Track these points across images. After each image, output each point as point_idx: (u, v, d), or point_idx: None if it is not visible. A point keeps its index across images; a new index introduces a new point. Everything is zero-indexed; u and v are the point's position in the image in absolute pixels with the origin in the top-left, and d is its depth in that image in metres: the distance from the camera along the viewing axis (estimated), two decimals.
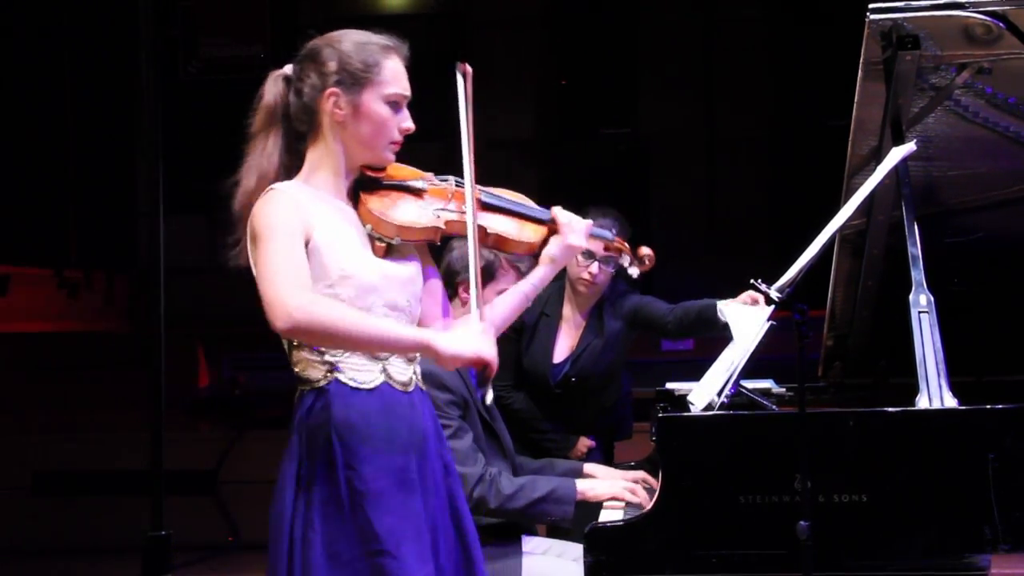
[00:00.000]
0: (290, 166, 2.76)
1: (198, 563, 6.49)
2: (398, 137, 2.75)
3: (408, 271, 2.76)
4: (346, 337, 2.57)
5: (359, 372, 2.67)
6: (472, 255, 2.72)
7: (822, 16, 9.39)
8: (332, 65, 2.71)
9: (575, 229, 2.89)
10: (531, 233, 2.87)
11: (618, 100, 10.05)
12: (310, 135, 2.75)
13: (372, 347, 2.63)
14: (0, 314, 8.72)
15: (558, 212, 2.91)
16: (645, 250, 3.11)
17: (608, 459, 4.60)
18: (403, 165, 2.84)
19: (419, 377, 2.79)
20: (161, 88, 5.56)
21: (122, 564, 6.00)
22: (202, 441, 7.34)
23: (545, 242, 2.90)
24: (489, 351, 2.62)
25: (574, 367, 4.43)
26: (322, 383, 2.67)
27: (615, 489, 3.68)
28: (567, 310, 4.47)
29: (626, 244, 3.03)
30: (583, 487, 3.68)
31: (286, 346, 2.73)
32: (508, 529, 3.77)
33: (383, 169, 2.78)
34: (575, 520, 3.64)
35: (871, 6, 3.33)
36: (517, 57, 9.91)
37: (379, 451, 2.65)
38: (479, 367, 2.63)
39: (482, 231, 2.79)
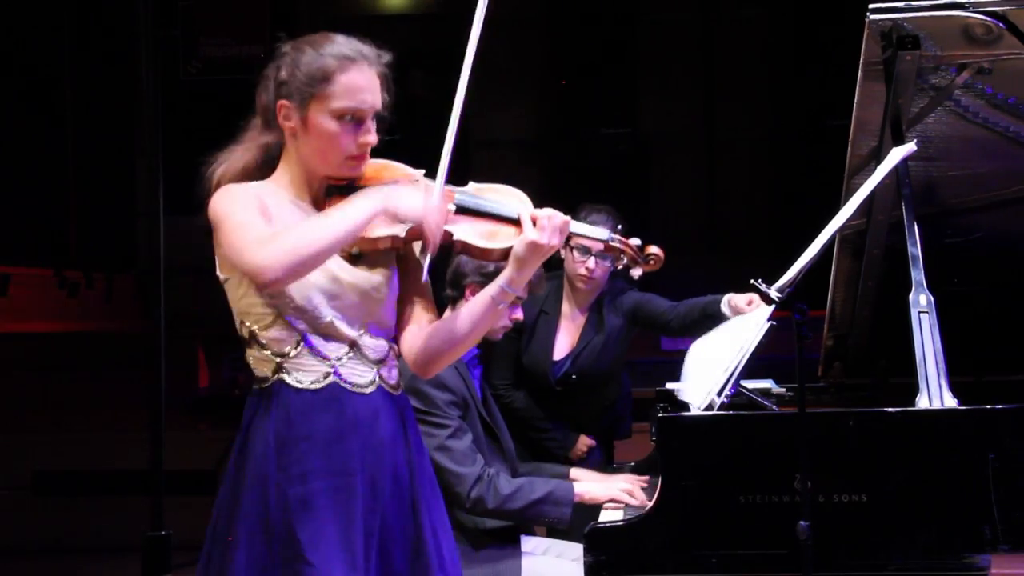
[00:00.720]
0: (268, 166, 2.72)
1: (198, 563, 6.48)
2: (355, 151, 2.63)
3: (369, 280, 2.66)
4: (319, 251, 2.47)
5: (305, 372, 2.62)
6: (446, 152, 2.62)
7: (822, 16, 9.39)
8: (283, 75, 2.64)
9: (548, 226, 2.63)
10: (505, 236, 2.68)
11: (618, 100, 10.05)
12: (283, 139, 2.71)
13: (345, 236, 2.51)
14: (0, 314, 8.72)
15: (537, 212, 2.68)
16: (653, 249, 2.87)
17: (608, 459, 4.60)
18: (388, 163, 2.75)
19: (388, 382, 2.70)
20: (161, 88, 5.56)
21: (122, 564, 6.00)
22: (202, 441, 7.34)
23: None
24: (434, 218, 2.55)
25: (575, 364, 4.43)
26: (268, 383, 2.64)
27: (613, 491, 3.68)
28: (566, 307, 4.47)
29: (629, 243, 2.85)
30: (581, 489, 3.68)
31: (243, 345, 2.69)
32: (508, 530, 3.77)
33: (347, 179, 2.69)
34: (572, 522, 3.65)
35: (871, 6, 3.33)
36: (517, 57, 9.91)
37: (314, 453, 2.59)
38: (420, 231, 2.56)
39: (447, 236, 2.65)
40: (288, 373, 2.63)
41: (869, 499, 2.99)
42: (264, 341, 2.64)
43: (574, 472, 4.02)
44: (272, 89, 2.67)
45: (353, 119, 2.61)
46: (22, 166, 9.18)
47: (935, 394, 3.06)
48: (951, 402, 3.05)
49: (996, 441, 2.99)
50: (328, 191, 2.70)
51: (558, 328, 4.48)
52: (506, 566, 3.70)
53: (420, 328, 2.75)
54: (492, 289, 2.67)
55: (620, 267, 2.86)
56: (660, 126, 10.06)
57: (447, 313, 3.70)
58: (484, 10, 2.68)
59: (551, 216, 2.65)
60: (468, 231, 2.67)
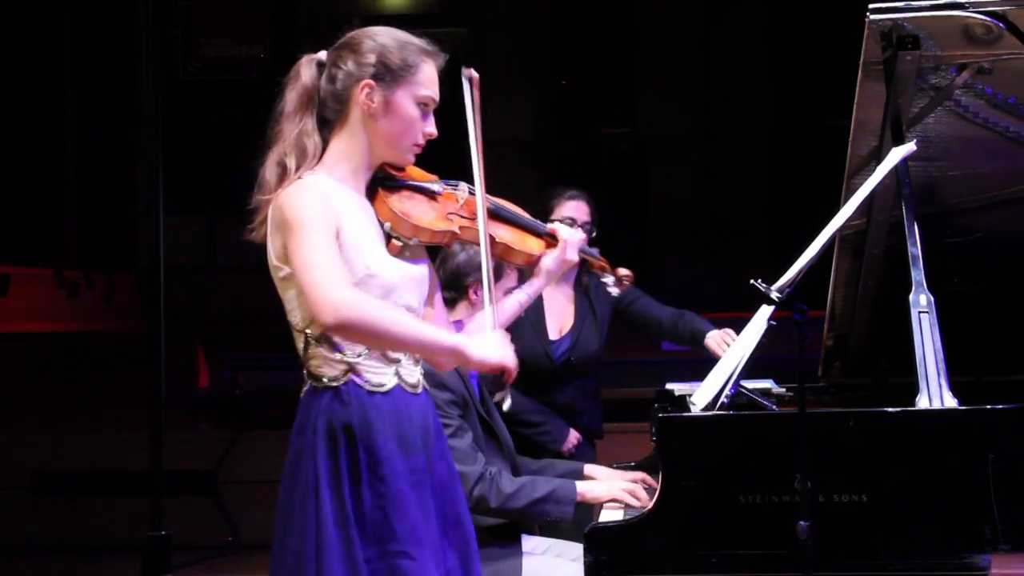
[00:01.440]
0: (316, 152, 2.75)
1: (198, 563, 6.49)
2: (421, 140, 2.77)
3: (421, 272, 2.78)
4: (388, 337, 2.59)
5: (375, 374, 2.68)
6: (485, 262, 2.75)
7: (822, 16, 9.39)
8: (371, 57, 2.71)
9: (572, 244, 2.98)
10: (532, 245, 2.96)
11: (618, 100, 10.04)
12: (336, 124, 2.74)
13: (409, 348, 2.68)
14: (0, 314, 8.71)
15: (558, 227, 3.01)
16: (623, 271, 3.22)
17: (593, 457, 4.59)
18: (416, 168, 2.86)
19: (424, 381, 2.81)
20: (161, 88, 5.56)
21: (122, 564, 6.01)
22: (202, 441, 7.34)
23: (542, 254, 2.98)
24: (511, 357, 2.70)
25: (575, 344, 4.45)
26: (337, 383, 2.67)
27: (614, 491, 3.68)
28: (546, 289, 4.46)
29: (607, 263, 3.19)
30: (583, 488, 3.68)
31: (302, 342, 2.71)
32: (508, 529, 3.77)
33: (402, 169, 2.81)
34: (574, 520, 3.65)
35: (871, 6, 3.33)
36: (517, 57, 9.91)
37: (396, 453, 2.66)
38: (500, 373, 2.71)
39: (491, 239, 2.83)
40: (359, 375, 2.68)
41: (869, 499, 2.99)
42: (337, 341, 2.66)
43: (588, 469, 4.01)
44: (351, 67, 2.71)
45: (425, 109, 2.76)
46: (22, 166, 9.17)
47: (935, 394, 3.07)
48: (951, 402, 3.05)
49: (996, 441, 2.99)
50: (379, 181, 2.77)
51: (544, 310, 4.48)
52: (506, 565, 3.70)
53: (444, 326, 2.91)
54: (521, 296, 3.01)
55: (608, 283, 3.25)
56: (660, 126, 10.06)
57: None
58: (472, 97, 2.84)
59: (573, 234, 3.01)
60: (507, 236, 2.92)
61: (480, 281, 3.76)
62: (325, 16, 9.78)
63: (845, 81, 3.62)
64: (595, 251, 3.23)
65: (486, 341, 2.70)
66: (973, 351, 3.62)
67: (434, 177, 2.87)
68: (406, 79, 2.71)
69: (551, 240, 2.98)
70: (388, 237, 2.75)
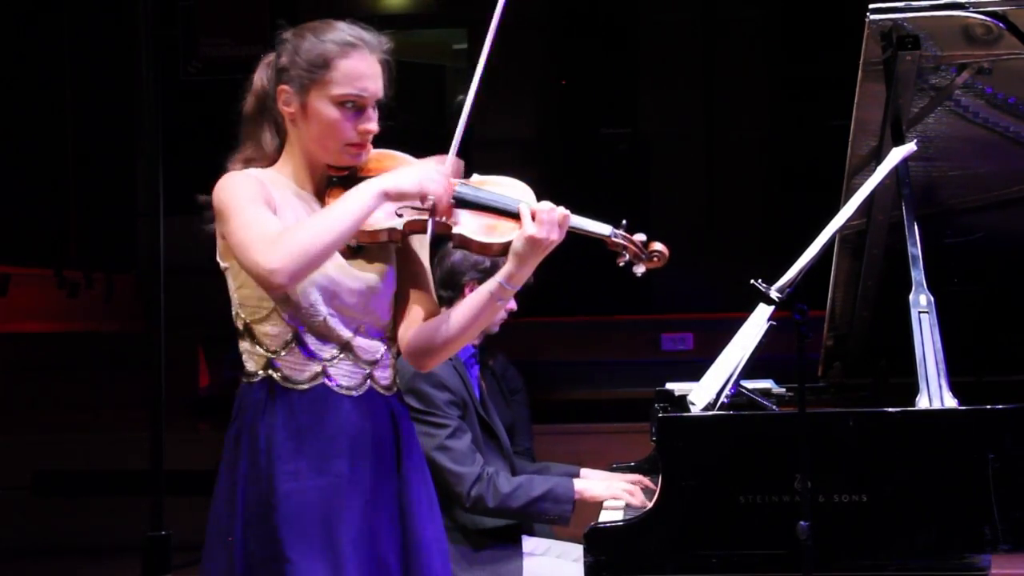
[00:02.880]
0: (278, 155, 2.72)
1: (198, 563, 6.48)
2: (355, 139, 2.62)
3: (366, 280, 2.64)
4: (326, 241, 2.45)
5: (294, 371, 2.61)
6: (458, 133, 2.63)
7: (822, 16, 9.39)
8: (284, 60, 2.64)
9: (546, 220, 2.58)
10: (505, 230, 2.62)
11: (618, 100, 10.05)
12: (281, 126, 2.70)
13: (352, 227, 2.48)
14: (0, 314, 8.71)
15: (523, 208, 2.63)
16: (658, 246, 2.72)
17: None
18: (392, 153, 2.73)
19: (380, 383, 2.67)
20: (161, 88, 5.56)
21: (122, 564, 6.00)
22: (202, 441, 7.33)
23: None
24: (434, 184, 2.53)
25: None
26: (257, 378, 2.64)
27: (613, 490, 3.68)
28: None
29: (633, 239, 2.71)
30: (581, 487, 3.68)
31: (236, 336, 2.69)
32: (508, 530, 3.77)
33: (347, 169, 2.68)
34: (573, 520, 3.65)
35: (871, 6, 3.32)
36: (517, 57, 9.90)
37: (302, 453, 2.58)
38: (424, 200, 2.53)
39: (446, 228, 2.62)
40: (278, 371, 2.62)
41: (869, 499, 2.99)
42: (257, 335, 2.63)
43: (584, 473, 4.01)
44: (272, 75, 2.67)
45: (354, 106, 2.61)
46: (22, 166, 9.17)
47: (935, 394, 3.06)
48: (951, 402, 3.05)
49: (996, 441, 2.99)
50: (329, 182, 2.69)
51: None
52: (507, 567, 3.70)
53: (419, 321, 2.71)
54: (491, 285, 2.63)
55: (622, 264, 2.74)
56: (660, 126, 10.06)
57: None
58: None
59: (550, 210, 2.60)
60: (467, 225, 2.63)
61: (476, 278, 3.76)
62: (325, 16, 9.77)
63: (845, 81, 3.62)
64: (603, 225, 2.76)
65: (401, 171, 2.55)
66: (973, 351, 3.62)
67: (412, 163, 2.69)
68: (317, 80, 2.59)
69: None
70: None
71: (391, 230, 2.62)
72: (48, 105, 9.64)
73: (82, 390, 8.11)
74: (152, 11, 5.55)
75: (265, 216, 2.53)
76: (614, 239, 2.72)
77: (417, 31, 10.37)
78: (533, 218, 2.59)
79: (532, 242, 2.57)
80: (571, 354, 7.91)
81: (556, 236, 2.60)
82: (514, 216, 2.62)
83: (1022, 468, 2.98)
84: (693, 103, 10.13)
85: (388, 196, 2.53)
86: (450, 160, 2.64)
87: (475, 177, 2.74)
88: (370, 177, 2.62)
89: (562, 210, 2.62)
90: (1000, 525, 2.96)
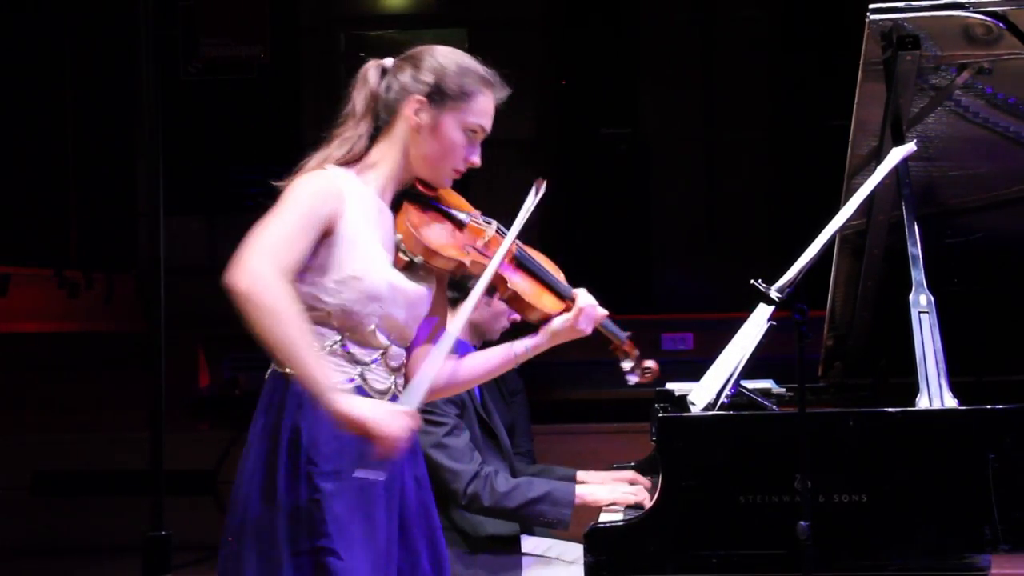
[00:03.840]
0: (361, 154, 2.75)
1: (198, 563, 6.49)
2: (462, 167, 2.74)
3: (418, 292, 2.72)
4: (269, 334, 2.46)
5: (335, 371, 2.62)
6: (468, 308, 2.70)
7: (822, 16, 9.39)
8: (429, 75, 2.71)
9: (588, 315, 2.82)
10: (548, 303, 2.83)
11: (618, 100, 10.05)
12: (382, 131, 2.74)
13: (288, 361, 2.52)
14: (0, 314, 8.72)
15: (581, 293, 2.85)
16: (649, 363, 3.00)
17: None
18: (456, 194, 2.84)
19: (399, 388, 2.73)
20: (161, 88, 5.56)
21: (122, 564, 6.00)
22: (202, 441, 7.33)
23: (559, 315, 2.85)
24: (390, 430, 2.50)
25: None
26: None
27: (615, 495, 3.67)
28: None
29: (635, 348, 2.95)
30: (583, 491, 3.67)
31: None
32: (508, 538, 3.76)
33: (435, 190, 2.79)
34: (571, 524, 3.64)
35: (871, 6, 3.32)
36: (517, 57, 9.89)
37: (343, 453, 2.60)
38: (364, 436, 2.50)
39: (502, 282, 2.77)
40: None
41: (869, 499, 2.99)
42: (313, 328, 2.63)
43: (581, 475, 4.01)
44: (407, 80, 2.71)
45: (473, 137, 2.74)
46: (22, 166, 9.17)
47: (935, 394, 3.06)
48: (951, 402, 3.05)
49: (996, 441, 2.99)
50: (409, 195, 2.75)
51: None
52: (507, 566, 3.70)
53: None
54: (518, 348, 2.85)
55: (625, 369, 2.99)
56: (660, 126, 10.06)
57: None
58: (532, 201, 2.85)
59: (593, 306, 2.84)
60: (520, 284, 2.81)
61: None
62: (325, 16, 9.79)
63: (845, 81, 3.62)
64: (620, 331, 2.99)
65: (361, 402, 2.54)
66: (973, 351, 3.62)
67: (471, 209, 2.83)
68: (458, 104, 2.71)
69: (570, 303, 2.84)
70: (396, 250, 2.72)
71: (459, 264, 2.74)
72: (48, 105, 9.64)
73: (82, 390, 8.11)
74: (152, 11, 5.56)
75: (300, 241, 2.56)
76: (626, 346, 2.99)
77: (417, 31, 10.37)
78: (576, 307, 2.83)
79: (572, 332, 2.84)
80: (571, 354, 7.90)
81: (590, 331, 2.86)
82: (561, 296, 2.85)
83: (1022, 468, 2.98)
84: (693, 103, 10.14)
85: (329, 408, 2.50)
86: (501, 253, 2.75)
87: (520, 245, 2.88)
88: (446, 206, 2.78)
89: (602, 311, 2.87)
90: (1000, 525, 2.96)
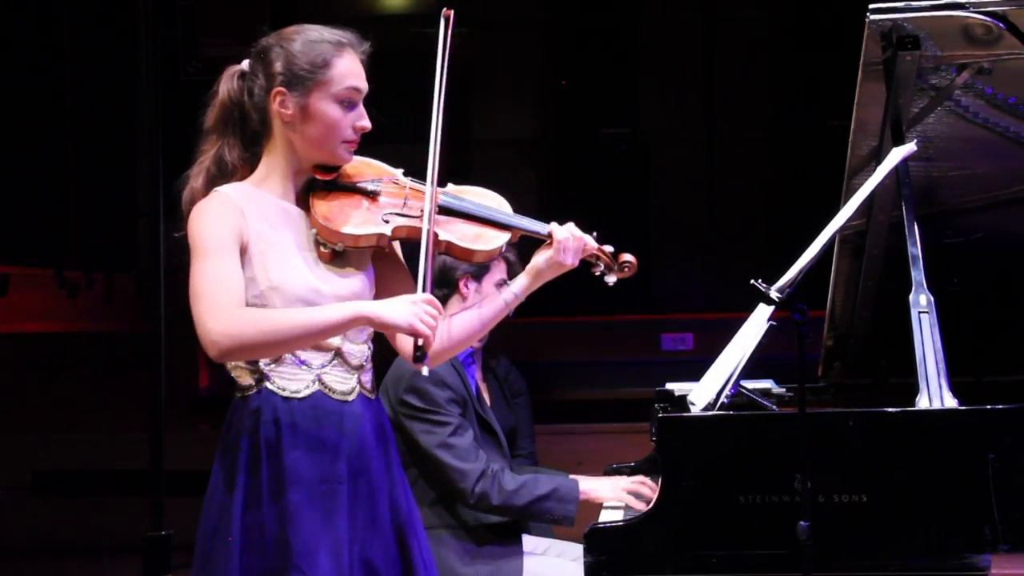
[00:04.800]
0: (245, 166, 2.71)
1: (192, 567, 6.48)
2: (351, 136, 2.67)
3: (349, 286, 2.67)
4: (279, 341, 2.51)
5: (290, 381, 2.62)
6: (425, 246, 2.64)
7: (822, 16, 9.40)
8: (278, 65, 2.66)
9: (568, 248, 2.76)
10: (490, 240, 2.74)
11: (618, 100, 10.05)
12: (264, 136, 2.70)
13: (309, 339, 2.55)
14: (0, 314, 8.72)
15: (556, 227, 2.79)
16: (627, 256, 2.87)
17: None
18: (369, 161, 2.77)
19: (366, 387, 2.71)
20: (161, 88, 5.56)
21: (122, 564, 6.00)
22: (202, 441, 7.32)
23: (508, 245, 2.80)
24: (421, 323, 2.52)
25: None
26: (252, 390, 2.64)
27: (618, 492, 3.68)
28: None
29: (604, 250, 2.84)
30: (586, 487, 3.68)
31: None
32: (510, 527, 3.77)
33: (336, 170, 2.71)
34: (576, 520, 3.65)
35: (871, 6, 3.32)
36: (517, 57, 9.91)
37: (303, 461, 2.59)
38: (413, 336, 2.54)
39: (434, 236, 2.68)
40: (272, 382, 2.63)
41: (869, 499, 2.99)
42: None
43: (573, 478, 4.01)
44: (262, 80, 2.68)
45: (350, 103, 2.66)
46: (22, 166, 9.17)
47: (935, 394, 3.06)
48: (951, 402, 3.05)
49: (996, 441, 2.99)
50: (312, 185, 2.70)
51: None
52: (508, 564, 3.70)
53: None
54: (507, 296, 2.78)
55: (597, 274, 2.86)
56: (660, 126, 10.06)
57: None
58: (444, 37, 2.82)
59: (578, 238, 2.78)
60: (453, 231, 2.72)
61: (469, 273, 3.76)
62: (325, 16, 9.78)
63: (845, 81, 3.62)
64: (590, 240, 2.87)
65: (392, 303, 2.55)
66: (973, 351, 3.62)
67: (387, 172, 2.75)
68: (318, 80, 2.64)
69: (548, 239, 2.78)
70: (318, 244, 2.67)
71: (380, 235, 2.67)
72: (48, 105, 9.64)
73: (82, 390, 8.11)
74: (152, 11, 5.56)
75: (228, 271, 2.55)
76: (595, 250, 2.86)
77: (417, 31, 10.37)
78: (551, 239, 2.76)
79: (557, 267, 2.77)
80: (571, 354, 7.91)
81: (576, 261, 2.79)
82: (498, 226, 2.76)
83: (1022, 468, 2.98)
84: (693, 103, 10.14)
85: (371, 322, 2.56)
86: (424, 282, 2.64)
87: (451, 187, 2.80)
88: (350, 183, 2.69)
89: (587, 240, 2.80)
90: (1000, 525, 2.96)
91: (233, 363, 2.65)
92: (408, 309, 2.54)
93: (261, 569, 2.57)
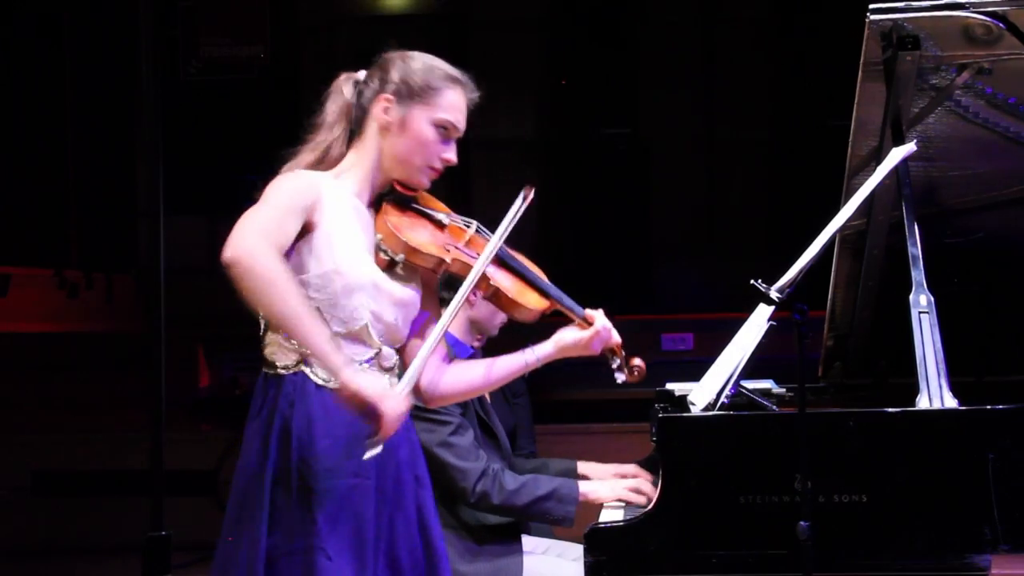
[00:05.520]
0: (337, 161, 2.79)
1: (198, 563, 6.49)
2: (437, 164, 2.77)
3: (405, 293, 2.75)
4: (267, 304, 2.51)
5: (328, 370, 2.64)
6: (453, 307, 2.71)
7: (822, 16, 9.39)
8: (395, 75, 2.76)
9: (603, 338, 2.87)
10: (532, 300, 2.85)
11: (618, 100, 10.05)
12: (356, 136, 2.79)
13: (283, 327, 2.57)
14: (0, 314, 8.72)
15: (598, 316, 2.88)
16: (637, 361, 2.96)
17: None
18: (434, 198, 2.87)
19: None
20: (161, 88, 5.56)
21: (122, 564, 6.01)
22: (202, 441, 7.34)
23: (544, 314, 2.88)
24: (389, 408, 2.53)
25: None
26: (288, 371, 2.66)
27: (618, 491, 3.68)
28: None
29: (621, 349, 2.93)
30: (586, 488, 3.68)
31: (262, 326, 2.72)
32: (509, 529, 3.77)
33: (415, 191, 2.81)
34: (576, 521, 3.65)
35: (871, 6, 3.33)
36: (517, 57, 9.91)
37: (335, 450, 2.63)
38: (370, 419, 2.53)
39: (483, 279, 2.78)
40: (311, 367, 2.66)
41: (869, 499, 2.99)
42: None
43: (582, 466, 4.01)
44: (376, 84, 2.77)
45: (446, 133, 2.76)
46: (22, 166, 9.17)
47: (935, 394, 3.06)
48: (951, 402, 3.05)
49: (996, 441, 2.99)
50: (385, 197, 2.78)
51: None
52: (508, 562, 3.70)
53: (436, 363, 2.83)
54: (529, 358, 2.88)
55: (614, 367, 2.95)
56: (660, 126, 10.06)
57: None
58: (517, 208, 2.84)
59: (610, 331, 2.87)
60: (504, 282, 2.83)
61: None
62: (325, 16, 9.79)
63: (845, 81, 3.62)
64: (619, 341, 2.98)
65: (369, 380, 2.57)
66: (973, 351, 3.62)
67: (450, 212, 2.86)
68: (425, 100, 2.74)
69: (583, 323, 2.88)
70: (377, 250, 2.74)
71: (439, 261, 2.76)
72: (48, 105, 9.64)
73: (82, 390, 8.11)
74: (152, 11, 5.56)
75: (286, 222, 2.59)
76: (615, 346, 2.94)
77: (416, 31, 10.37)
78: (590, 324, 2.87)
79: (582, 349, 2.88)
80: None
81: (599, 351, 2.89)
82: (543, 293, 2.87)
83: (1022, 468, 2.99)
84: (693, 103, 10.13)
85: (341, 384, 2.53)
86: (485, 255, 2.76)
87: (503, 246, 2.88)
88: (424, 206, 2.81)
89: (617, 338, 2.90)
90: (1000, 525, 2.96)
91: (274, 339, 2.67)
92: (381, 393, 2.54)
93: (287, 549, 2.60)
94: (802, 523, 2.76)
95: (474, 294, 2.79)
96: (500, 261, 2.84)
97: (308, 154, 2.78)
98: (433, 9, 10.30)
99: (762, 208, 10.01)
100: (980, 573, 2.98)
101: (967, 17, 3.30)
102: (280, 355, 2.68)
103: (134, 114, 9.67)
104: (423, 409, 3.63)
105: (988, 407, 3.02)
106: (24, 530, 6.98)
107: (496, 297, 2.83)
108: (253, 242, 2.50)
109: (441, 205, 2.87)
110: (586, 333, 2.86)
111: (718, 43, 10.16)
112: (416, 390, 2.80)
